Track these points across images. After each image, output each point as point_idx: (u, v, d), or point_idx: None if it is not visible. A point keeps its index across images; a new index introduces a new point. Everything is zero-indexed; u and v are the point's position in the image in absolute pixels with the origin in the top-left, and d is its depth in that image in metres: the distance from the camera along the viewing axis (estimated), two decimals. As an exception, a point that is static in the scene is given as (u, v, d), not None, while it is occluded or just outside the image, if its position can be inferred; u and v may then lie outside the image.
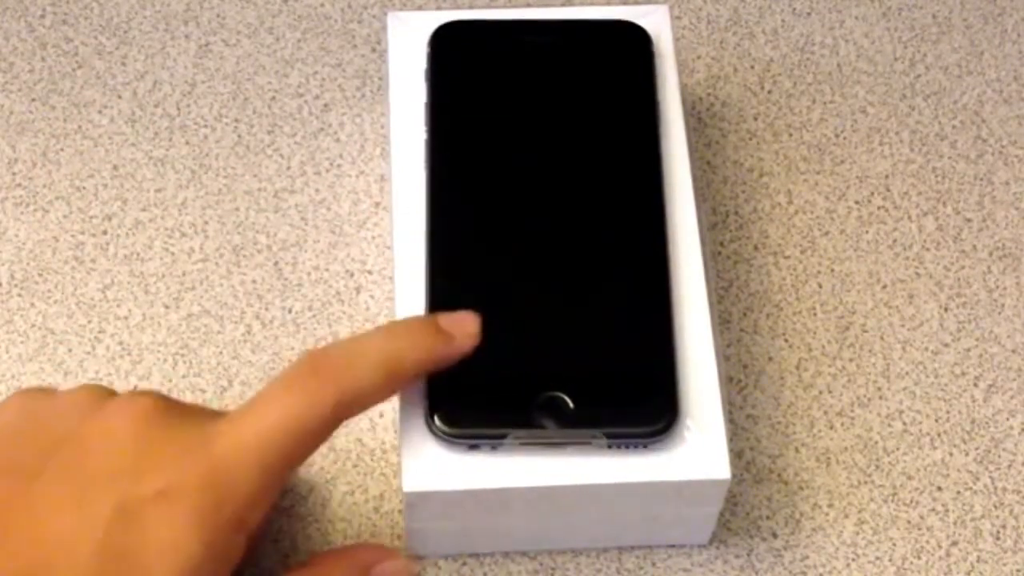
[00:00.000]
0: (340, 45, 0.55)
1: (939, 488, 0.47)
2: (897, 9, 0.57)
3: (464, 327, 0.41)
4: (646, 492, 0.42)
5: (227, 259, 0.50)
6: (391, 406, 0.47)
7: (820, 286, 0.50)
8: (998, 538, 0.46)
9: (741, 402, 0.48)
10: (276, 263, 0.50)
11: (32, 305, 0.49)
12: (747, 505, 0.46)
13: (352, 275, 0.50)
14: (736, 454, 0.47)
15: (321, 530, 0.45)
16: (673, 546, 0.45)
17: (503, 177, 0.45)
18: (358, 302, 0.49)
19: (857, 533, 0.46)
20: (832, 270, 0.51)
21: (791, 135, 0.54)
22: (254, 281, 0.50)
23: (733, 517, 0.46)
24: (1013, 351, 0.49)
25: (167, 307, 0.49)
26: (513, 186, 0.45)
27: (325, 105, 0.54)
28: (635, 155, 0.46)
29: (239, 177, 0.52)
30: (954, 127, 0.54)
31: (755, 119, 0.54)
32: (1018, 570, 0.45)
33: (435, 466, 0.41)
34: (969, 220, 0.52)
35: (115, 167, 0.52)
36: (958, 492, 0.47)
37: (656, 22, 0.49)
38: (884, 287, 0.50)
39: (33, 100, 0.54)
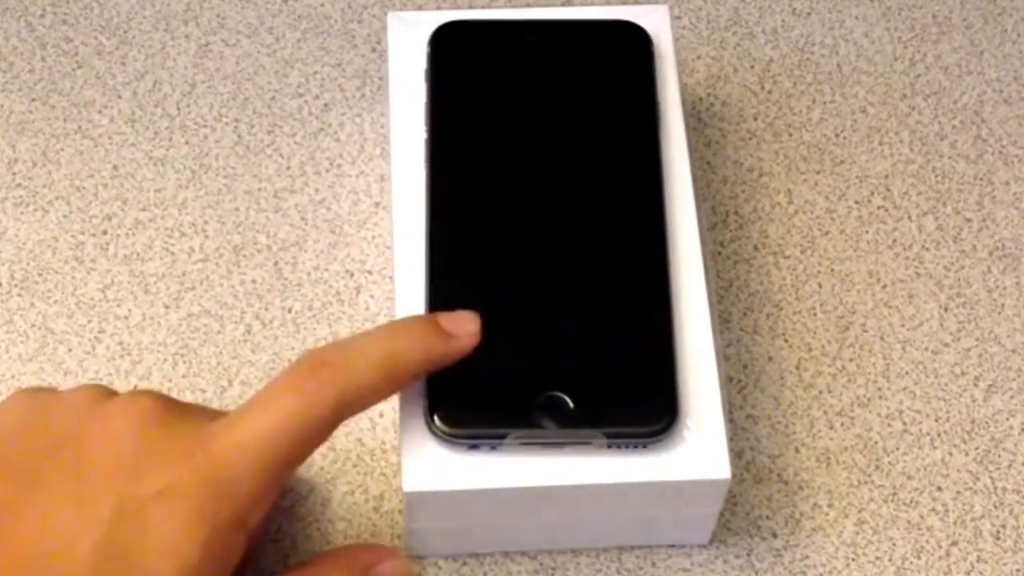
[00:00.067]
0: (340, 45, 0.55)
1: (939, 488, 0.47)
2: (897, 9, 0.57)
3: (464, 326, 0.41)
4: (646, 492, 0.42)
5: (227, 259, 0.50)
6: (391, 406, 0.47)
7: (820, 286, 0.50)
8: (998, 538, 0.46)
9: (741, 402, 0.48)
10: (276, 263, 0.50)
11: (32, 305, 0.49)
12: (747, 505, 0.46)
13: (352, 275, 0.50)
14: (736, 454, 0.47)
15: (321, 530, 0.45)
16: (673, 546, 0.45)
17: (503, 177, 0.45)
18: (358, 302, 0.49)
19: (857, 533, 0.46)
20: (832, 270, 0.51)
21: (791, 135, 0.54)
22: (254, 281, 0.50)
23: (733, 517, 0.46)
24: (1013, 351, 0.49)
25: (167, 307, 0.49)
26: (513, 186, 0.45)
27: (325, 105, 0.54)
28: (635, 155, 0.46)
29: (239, 177, 0.52)
30: (954, 127, 0.54)
31: (755, 119, 0.54)
32: (1018, 570, 0.45)
33: (435, 466, 0.41)
34: (969, 220, 0.52)
35: (115, 167, 0.52)
36: (958, 492, 0.47)
37: (656, 22, 0.49)
38: (884, 287, 0.50)
39: (33, 100, 0.54)
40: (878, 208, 0.52)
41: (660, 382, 0.42)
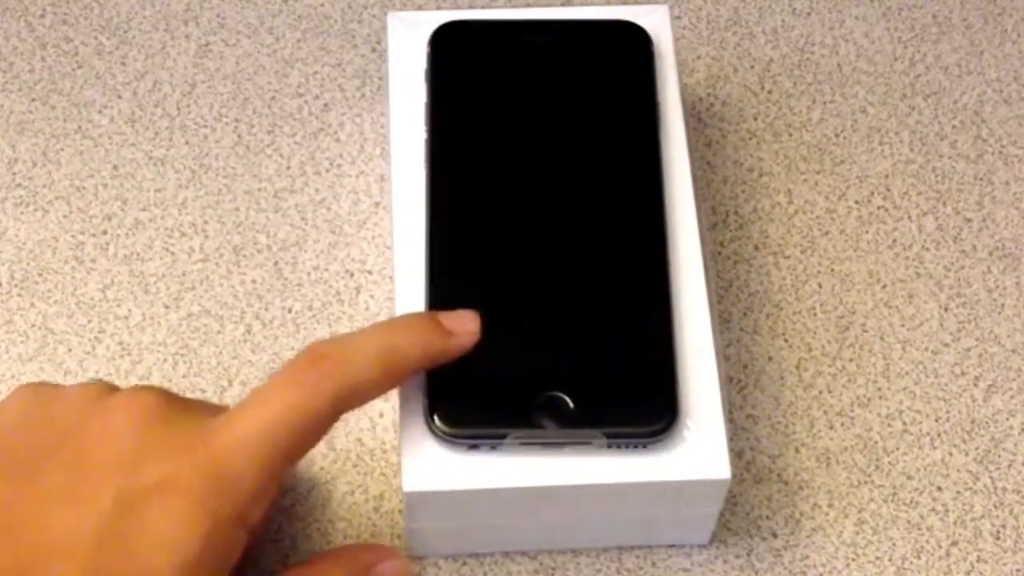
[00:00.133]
0: (340, 45, 0.55)
1: (939, 488, 0.47)
2: (897, 9, 0.57)
3: (464, 324, 0.41)
4: (646, 492, 0.42)
5: (227, 259, 0.50)
6: (391, 406, 0.47)
7: (820, 286, 0.50)
8: (998, 538, 0.46)
9: (741, 402, 0.48)
10: (276, 263, 0.50)
11: (32, 305, 0.49)
12: (747, 505, 0.46)
13: (352, 275, 0.50)
14: (736, 454, 0.47)
15: (321, 530, 0.45)
16: (673, 546, 0.45)
17: (503, 177, 0.45)
18: (358, 302, 0.49)
19: (857, 533, 0.46)
20: (832, 270, 0.51)
21: (791, 135, 0.54)
22: (254, 281, 0.50)
23: (733, 517, 0.46)
24: (1013, 351, 0.49)
25: (167, 307, 0.49)
26: (513, 186, 0.45)
27: (325, 105, 0.54)
28: (635, 155, 0.46)
29: (239, 177, 0.52)
30: (954, 127, 0.54)
31: (755, 119, 0.54)
32: (1018, 570, 0.45)
33: (435, 466, 0.41)
34: (969, 220, 0.52)
35: (115, 167, 0.52)
36: (958, 492, 0.47)
37: (656, 22, 0.49)
38: (884, 287, 0.50)
39: (33, 100, 0.54)
40: (878, 208, 0.52)
41: (660, 382, 0.42)
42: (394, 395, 0.46)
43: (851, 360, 0.49)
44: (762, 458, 0.47)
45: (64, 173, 0.52)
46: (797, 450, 0.47)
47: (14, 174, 0.52)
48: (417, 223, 0.45)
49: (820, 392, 0.48)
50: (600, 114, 0.46)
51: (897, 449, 0.47)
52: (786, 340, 0.49)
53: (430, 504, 0.41)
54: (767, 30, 0.56)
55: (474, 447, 0.41)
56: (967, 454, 0.47)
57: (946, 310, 0.50)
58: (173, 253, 0.50)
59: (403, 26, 0.49)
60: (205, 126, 0.53)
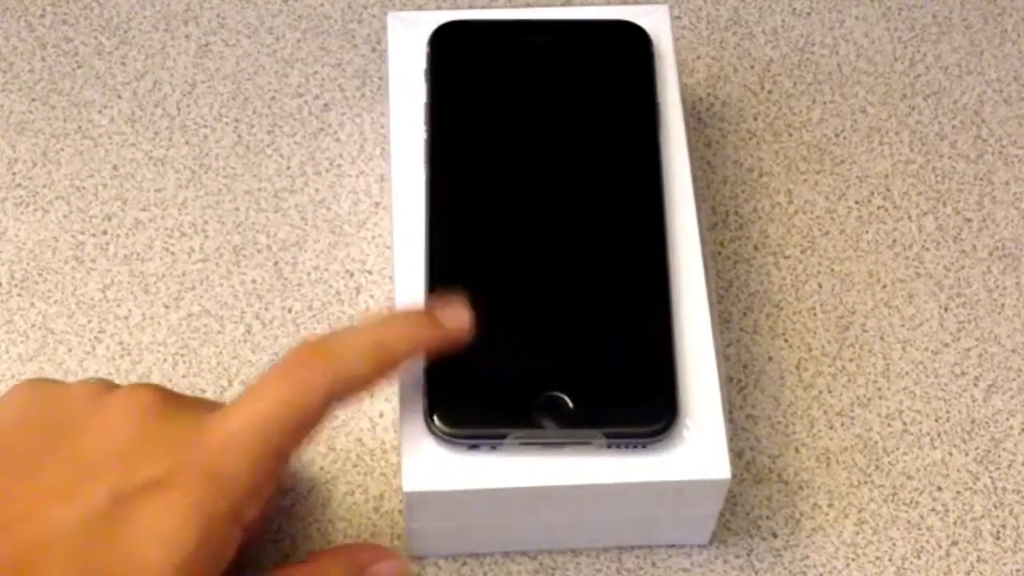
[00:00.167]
0: (340, 45, 0.55)
1: (939, 488, 0.47)
2: (897, 9, 0.57)
3: (456, 315, 0.41)
4: (646, 492, 0.42)
5: (227, 259, 0.50)
6: (391, 406, 0.47)
7: (820, 286, 0.50)
8: (998, 538, 0.46)
9: (741, 402, 0.48)
10: (276, 263, 0.50)
11: (32, 305, 0.49)
12: (747, 505, 0.46)
13: (352, 275, 0.50)
14: (736, 454, 0.47)
15: (321, 530, 0.45)
16: (673, 546, 0.45)
17: (503, 177, 0.45)
18: (358, 302, 0.49)
19: (857, 533, 0.46)
20: (832, 270, 0.51)
21: (791, 135, 0.54)
22: (254, 281, 0.50)
23: (733, 517, 0.46)
24: (1013, 351, 0.49)
25: (167, 307, 0.49)
26: (513, 186, 0.45)
27: (325, 105, 0.54)
28: (635, 155, 0.46)
29: (239, 177, 0.52)
30: (954, 127, 0.54)
31: (755, 119, 0.54)
32: (1018, 570, 0.45)
33: (435, 466, 0.41)
34: (969, 220, 0.52)
35: (115, 167, 0.52)
36: (958, 492, 0.47)
37: (656, 22, 0.49)
38: (884, 287, 0.50)
39: (33, 100, 0.54)
40: (878, 208, 0.52)
41: (660, 382, 0.42)
42: (394, 395, 0.46)
43: (851, 360, 0.49)
44: (762, 458, 0.47)
45: (64, 173, 0.52)
46: (797, 450, 0.47)
47: (14, 174, 0.52)
48: (417, 223, 0.45)
49: (820, 392, 0.48)
50: (600, 114, 0.46)
51: (897, 449, 0.47)
52: (786, 340, 0.49)
53: (430, 504, 0.42)
54: (767, 30, 0.56)
55: (474, 447, 0.41)
56: (967, 454, 0.47)
57: (946, 310, 0.50)
58: (173, 253, 0.50)
59: (403, 26, 0.49)
60: (205, 126, 0.53)
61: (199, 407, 0.39)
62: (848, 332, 0.49)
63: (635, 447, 0.41)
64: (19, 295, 0.49)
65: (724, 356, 0.49)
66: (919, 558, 0.45)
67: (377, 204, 0.51)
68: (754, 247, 0.51)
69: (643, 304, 0.43)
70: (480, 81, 0.47)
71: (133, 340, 0.48)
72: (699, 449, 0.41)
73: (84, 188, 0.52)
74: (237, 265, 0.50)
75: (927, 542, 0.46)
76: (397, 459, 0.46)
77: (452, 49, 0.48)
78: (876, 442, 0.47)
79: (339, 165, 0.52)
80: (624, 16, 0.49)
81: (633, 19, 0.48)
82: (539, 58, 0.47)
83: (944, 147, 0.54)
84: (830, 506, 0.46)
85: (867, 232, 0.51)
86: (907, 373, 0.49)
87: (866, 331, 0.49)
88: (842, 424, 0.48)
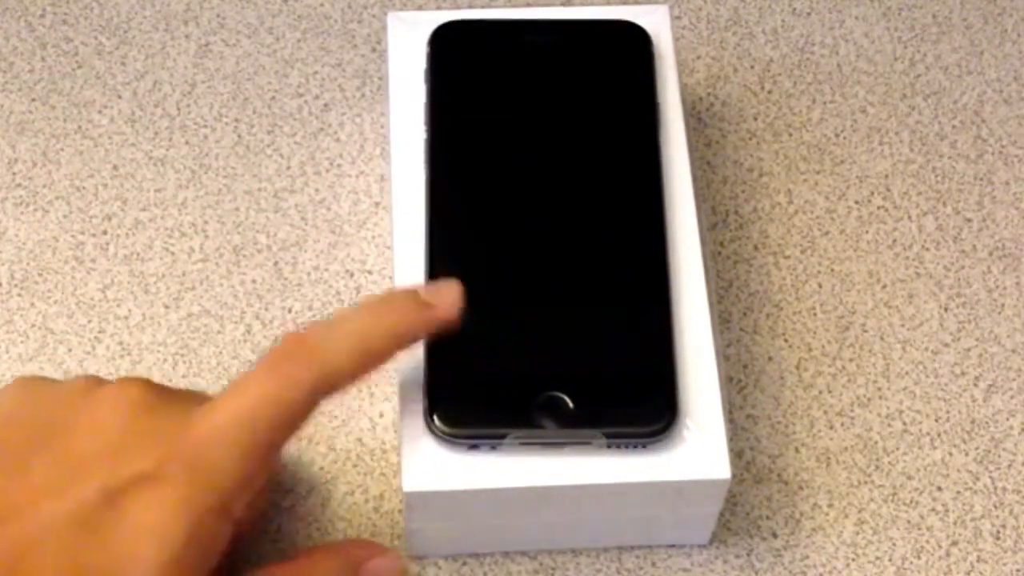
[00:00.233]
0: (340, 45, 0.55)
1: (939, 488, 0.47)
2: (897, 9, 0.57)
3: (447, 296, 0.41)
4: (646, 492, 0.42)
5: (227, 259, 0.50)
6: (391, 406, 0.47)
7: (820, 286, 0.50)
8: (998, 538, 0.46)
9: (741, 402, 0.48)
10: (276, 263, 0.50)
11: (32, 305, 0.49)
12: (747, 505, 0.46)
13: (352, 275, 0.50)
14: (736, 454, 0.47)
15: (321, 530, 0.45)
16: (673, 546, 0.45)
17: (503, 177, 0.45)
18: (358, 302, 0.49)
19: (857, 533, 0.46)
20: (832, 270, 0.51)
21: (791, 135, 0.54)
22: (254, 281, 0.50)
23: (733, 517, 0.46)
24: (1013, 351, 0.49)
25: (167, 307, 0.49)
26: (513, 186, 0.45)
27: (325, 105, 0.54)
28: (635, 155, 0.46)
29: (239, 177, 0.52)
30: (954, 127, 0.54)
31: (755, 119, 0.54)
32: (1018, 570, 0.45)
33: (435, 466, 0.41)
34: (969, 220, 0.52)
35: (115, 167, 0.52)
36: (958, 492, 0.47)
37: (656, 22, 0.49)
38: (884, 287, 0.50)
39: (33, 100, 0.54)
40: (878, 208, 0.52)
41: (660, 382, 0.42)
42: (394, 395, 0.46)
43: (851, 360, 0.49)
44: (762, 458, 0.47)
45: (64, 173, 0.52)
46: (797, 450, 0.47)
47: (14, 174, 0.52)
48: (417, 223, 0.45)
49: (820, 392, 0.48)
50: (600, 114, 0.46)
51: (897, 449, 0.47)
52: (786, 340, 0.49)
53: (430, 504, 0.41)
54: (767, 30, 0.56)
55: (474, 447, 0.41)
56: (967, 454, 0.47)
57: (946, 310, 0.50)
58: (173, 253, 0.50)
59: (403, 26, 0.49)
60: (205, 126, 0.53)
61: (189, 400, 0.39)
62: (848, 332, 0.49)
63: (635, 447, 0.41)
64: (19, 295, 0.49)
65: (724, 356, 0.49)
66: (919, 558, 0.45)
67: (377, 204, 0.51)
68: (754, 247, 0.51)
69: (643, 304, 0.43)
70: (480, 81, 0.47)
71: (133, 340, 0.48)
72: (699, 449, 0.41)
73: (84, 188, 0.51)
74: (237, 265, 0.50)
75: (927, 542, 0.46)
76: (397, 459, 0.46)
77: (452, 49, 0.48)
78: (876, 442, 0.47)
79: (339, 165, 0.52)
80: (624, 16, 0.49)
81: (633, 19, 0.48)
82: (539, 58, 0.47)
83: (944, 147, 0.54)
84: (830, 506, 0.46)
85: (867, 232, 0.51)
86: (907, 373, 0.49)
87: (866, 331, 0.49)
88: (842, 424, 0.48)
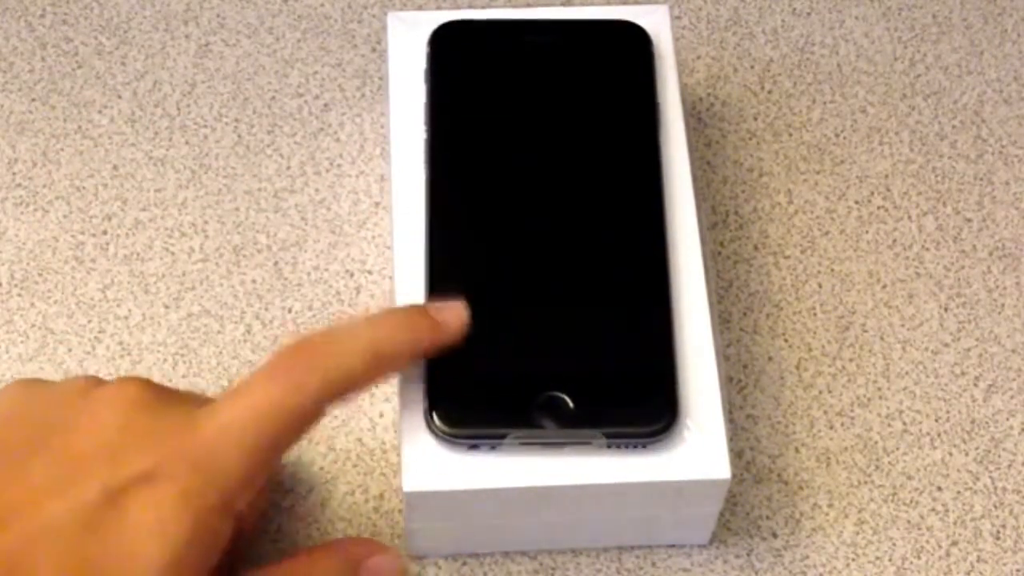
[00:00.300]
0: (340, 45, 0.55)
1: (939, 488, 0.47)
2: (897, 9, 0.57)
3: (454, 315, 0.41)
4: (646, 492, 0.42)
5: (227, 259, 0.50)
6: (391, 406, 0.47)
7: (820, 286, 0.50)
8: (998, 538, 0.46)
9: (741, 402, 0.48)
10: (276, 263, 0.50)
11: (32, 305, 0.49)
12: (747, 505, 0.46)
13: (352, 275, 0.50)
14: (736, 454, 0.47)
15: (321, 530, 0.45)
16: (673, 546, 0.45)
17: (503, 177, 0.45)
18: (358, 302, 0.49)
19: (857, 533, 0.46)
20: (832, 270, 0.51)
21: (791, 135, 0.54)
22: (254, 281, 0.50)
23: (733, 517, 0.46)
24: (1013, 351, 0.49)
25: (167, 307, 0.49)
26: (513, 186, 0.45)
27: (325, 105, 0.54)
28: (635, 155, 0.46)
29: (239, 177, 0.52)
30: (954, 127, 0.54)
31: (755, 119, 0.54)
32: (1018, 570, 0.45)
33: (435, 466, 0.41)
34: (969, 220, 0.52)
35: (115, 167, 0.52)
36: (958, 492, 0.47)
37: (656, 22, 0.49)
38: (884, 287, 0.50)
39: (33, 100, 0.54)
40: (878, 208, 0.52)
41: (660, 382, 0.42)
42: (394, 395, 0.46)
43: (851, 360, 0.49)
44: (762, 458, 0.47)
45: (64, 173, 0.52)
46: (797, 450, 0.47)
47: (14, 174, 0.52)
48: (417, 223, 0.45)
49: (820, 392, 0.48)
50: (600, 114, 0.46)
51: (897, 449, 0.47)
52: (786, 340, 0.49)
53: (430, 504, 0.41)
54: (767, 30, 0.56)
55: (474, 447, 0.41)
56: (967, 454, 0.47)
57: (946, 310, 0.50)
58: (173, 253, 0.50)
59: (403, 26, 0.49)
60: (205, 126, 0.53)
61: (188, 401, 0.39)
62: (848, 332, 0.49)
63: (635, 447, 0.41)
64: (19, 295, 0.49)
65: (724, 356, 0.49)
66: (919, 558, 0.45)
67: (377, 204, 0.51)
68: (754, 247, 0.51)
69: (643, 304, 0.43)
70: (480, 81, 0.47)
71: (133, 340, 0.48)
72: (699, 449, 0.41)
73: (84, 188, 0.51)
74: (237, 265, 0.50)
75: (927, 542, 0.46)
76: (397, 459, 0.46)
77: (452, 49, 0.48)
78: (876, 442, 0.47)
79: (339, 165, 0.52)
80: (624, 16, 0.49)
81: (633, 19, 0.48)
82: (539, 58, 0.47)
83: (944, 147, 0.54)
84: (830, 506, 0.46)
85: (867, 232, 0.51)
86: (907, 373, 0.49)
87: (866, 331, 0.49)
88: (842, 424, 0.48)
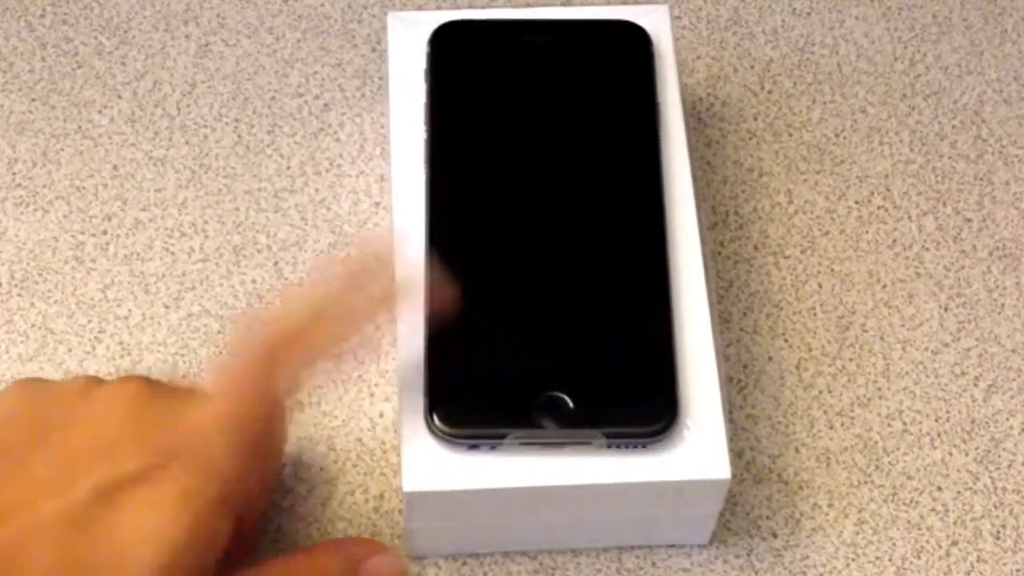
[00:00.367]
0: (340, 45, 0.55)
1: (939, 488, 0.47)
2: (897, 9, 0.57)
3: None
4: (646, 492, 0.42)
5: (227, 259, 0.50)
6: (391, 406, 0.47)
7: (820, 286, 0.50)
8: (998, 538, 0.46)
9: (741, 402, 0.48)
10: (276, 263, 0.50)
11: (32, 305, 0.49)
12: (747, 505, 0.46)
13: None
14: (736, 454, 0.47)
15: (321, 530, 0.45)
16: (673, 546, 0.45)
17: (503, 177, 0.45)
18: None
19: (857, 533, 0.46)
20: (832, 270, 0.51)
21: (791, 135, 0.54)
22: (254, 281, 0.50)
23: (733, 517, 0.46)
24: (1013, 351, 0.49)
25: (167, 307, 0.49)
26: (513, 186, 0.45)
27: (325, 105, 0.54)
28: (635, 155, 0.46)
29: (239, 177, 0.52)
30: (954, 127, 0.54)
31: (755, 119, 0.54)
32: (1018, 570, 0.45)
33: (435, 466, 0.41)
34: (969, 220, 0.52)
35: (115, 167, 0.52)
36: (958, 492, 0.47)
37: (656, 22, 0.49)
38: (884, 287, 0.50)
39: (33, 100, 0.54)
40: (878, 208, 0.52)
41: (660, 382, 0.42)
42: (394, 395, 0.46)
43: (851, 360, 0.49)
44: (762, 458, 0.47)
45: (64, 173, 0.52)
46: (797, 450, 0.47)
47: (14, 174, 0.52)
48: (417, 223, 0.45)
49: (820, 392, 0.48)
50: (600, 114, 0.46)
51: (897, 449, 0.47)
52: (786, 340, 0.49)
53: (430, 504, 0.41)
54: (767, 30, 0.56)
55: (474, 447, 0.41)
56: (967, 454, 0.47)
57: (946, 310, 0.50)
58: (173, 253, 0.50)
59: (403, 26, 0.49)
60: (205, 126, 0.53)
61: (188, 394, 0.39)
62: (848, 332, 0.49)
63: (635, 447, 0.41)
64: (19, 295, 0.49)
65: (724, 356, 0.49)
66: (919, 558, 0.45)
67: (377, 204, 0.51)
68: (754, 247, 0.51)
69: (643, 304, 0.43)
70: (480, 81, 0.47)
71: (133, 340, 0.48)
72: (699, 449, 0.41)
73: (84, 188, 0.51)
74: (237, 265, 0.50)
75: (927, 542, 0.46)
76: (397, 459, 0.46)
77: (452, 49, 0.48)
78: (876, 442, 0.47)
79: (339, 165, 0.52)
80: (624, 16, 0.49)
81: (633, 19, 0.48)
82: (539, 58, 0.47)
83: (944, 147, 0.54)
84: (830, 506, 0.46)
85: (867, 232, 0.51)
86: (907, 373, 0.49)
87: (866, 331, 0.49)
88: (842, 424, 0.48)
